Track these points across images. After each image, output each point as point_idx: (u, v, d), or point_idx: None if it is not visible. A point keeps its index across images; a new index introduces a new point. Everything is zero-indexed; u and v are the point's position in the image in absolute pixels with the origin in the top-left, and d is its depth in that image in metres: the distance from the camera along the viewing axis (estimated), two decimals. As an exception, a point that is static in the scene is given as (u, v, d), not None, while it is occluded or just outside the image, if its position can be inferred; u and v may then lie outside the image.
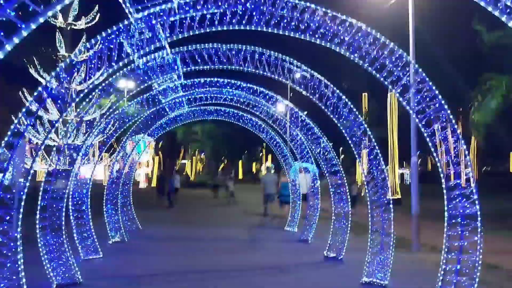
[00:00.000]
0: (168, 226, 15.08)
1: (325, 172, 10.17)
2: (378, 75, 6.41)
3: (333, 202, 10.03)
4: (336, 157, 10.25)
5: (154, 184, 37.31)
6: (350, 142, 8.09)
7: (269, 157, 73.74)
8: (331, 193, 10.01)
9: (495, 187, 36.82)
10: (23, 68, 31.28)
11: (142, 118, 12.56)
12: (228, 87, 9.55)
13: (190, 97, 11.63)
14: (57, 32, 30.03)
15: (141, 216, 16.27)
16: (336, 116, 8.00)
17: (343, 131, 7.89)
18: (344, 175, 10.06)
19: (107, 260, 9.34)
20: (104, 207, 11.53)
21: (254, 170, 68.43)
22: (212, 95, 11.43)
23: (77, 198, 9.30)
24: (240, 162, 68.67)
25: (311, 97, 7.99)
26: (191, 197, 29.12)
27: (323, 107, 7.99)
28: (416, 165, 11.64)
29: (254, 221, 17.00)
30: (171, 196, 22.43)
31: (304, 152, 12.20)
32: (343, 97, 7.97)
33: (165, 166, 51.36)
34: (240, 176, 65.69)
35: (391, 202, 8.04)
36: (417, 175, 11.56)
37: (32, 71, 31.13)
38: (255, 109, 11.87)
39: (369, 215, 7.91)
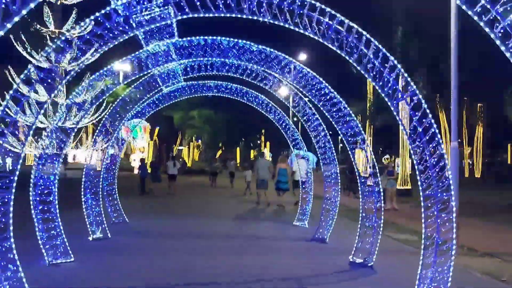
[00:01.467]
0: (160, 218, 13.05)
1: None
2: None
3: (362, 196, 8.02)
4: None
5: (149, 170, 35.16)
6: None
7: (268, 144, 71.89)
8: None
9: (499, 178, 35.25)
10: (9, 46, 28.94)
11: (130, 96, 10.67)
12: (235, 50, 7.42)
13: (186, 64, 9.53)
14: (44, 6, 27.65)
15: (131, 205, 14.36)
16: (380, 83, 5.94)
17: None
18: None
19: (78, 265, 7.30)
20: (82, 197, 9.46)
21: (252, 157, 66.44)
22: (213, 61, 9.34)
23: (43, 186, 7.23)
24: (238, 150, 66.64)
25: (347, 57, 5.90)
26: (188, 184, 27.11)
27: (363, 72, 5.91)
28: (456, 151, 9.61)
29: (258, 213, 15.02)
30: (144, 183, 20.63)
31: (322, 135, 10.11)
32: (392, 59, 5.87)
33: (161, 152, 49.23)
34: (238, 163, 63.56)
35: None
36: (457, 163, 9.56)
37: (20, 48, 28.78)
38: (264, 82, 9.78)
39: (423, 216, 5.89)
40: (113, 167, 11.81)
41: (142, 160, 23.44)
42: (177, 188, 22.27)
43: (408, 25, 23.90)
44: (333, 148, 10.14)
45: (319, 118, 10.03)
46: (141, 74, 8.63)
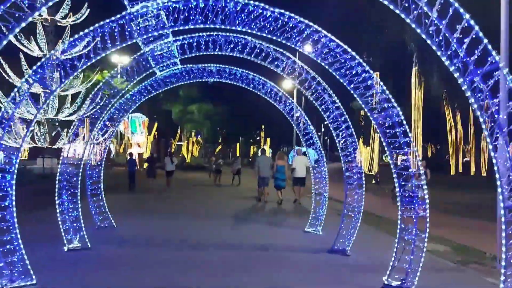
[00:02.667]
0: (153, 221, 11.35)
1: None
2: None
3: (401, 202, 6.34)
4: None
5: (145, 165, 33.52)
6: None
7: (268, 140, 70.06)
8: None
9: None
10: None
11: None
12: (243, 15, 5.70)
13: (183, 41, 7.84)
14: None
15: (122, 205, 12.76)
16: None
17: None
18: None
19: (40, 291, 5.63)
20: (56, 198, 7.76)
21: (252, 153, 64.67)
22: (215, 37, 7.66)
23: (-4, 188, 5.54)
24: (237, 145, 64.87)
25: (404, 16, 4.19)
26: (186, 181, 25.37)
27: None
28: (505, 149, 7.89)
29: (264, 216, 13.35)
30: (131, 178, 19.43)
31: (343, 127, 8.41)
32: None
33: (160, 147, 47.52)
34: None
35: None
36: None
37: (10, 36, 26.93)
38: (276, 63, 8.08)
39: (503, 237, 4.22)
40: (99, 163, 10.10)
41: (130, 154, 22.05)
42: (174, 185, 20.70)
43: None
44: (356, 144, 8.45)
45: (340, 106, 8.34)
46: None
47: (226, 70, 9.91)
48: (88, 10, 27.14)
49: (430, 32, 4.19)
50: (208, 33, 7.73)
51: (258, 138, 75.35)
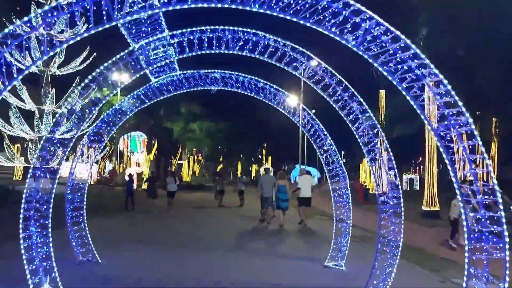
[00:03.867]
0: (146, 253, 9.64)
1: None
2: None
3: (468, 238, 4.70)
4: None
5: (144, 186, 31.83)
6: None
7: (269, 159, 68.50)
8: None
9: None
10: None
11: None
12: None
13: (182, 38, 6.34)
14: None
15: (113, 230, 11.11)
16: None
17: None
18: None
19: None
20: (21, 231, 6.11)
21: (253, 172, 62.89)
22: (220, 35, 6.17)
23: None
24: (239, 164, 63.25)
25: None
26: (186, 202, 23.62)
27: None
28: None
29: (275, 246, 11.64)
30: (128, 199, 18.98)
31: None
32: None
33: (159, 166, 45.88)
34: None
35: None
36: None
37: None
38: (294, 64, 6.56)
39: None
40: (81, 185, 8.48)
41: (130, 176, 21.10)
42: (175, 206, 19.08)
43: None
44: (393, 163, 6.85)
45: (372, 117, 6.79)
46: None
47: (232, 77, 8.40)
48: (86, 25, 25.94)
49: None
50: (212, 27, 6.25)
51: (260, 156, 73.86)
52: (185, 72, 8.28)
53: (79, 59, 26.07)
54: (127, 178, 21.07)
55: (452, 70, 20.61)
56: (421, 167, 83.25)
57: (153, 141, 46.24)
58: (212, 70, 8.31)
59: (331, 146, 8.76)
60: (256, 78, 8.42)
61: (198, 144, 49.82)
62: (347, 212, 8.75)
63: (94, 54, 26.26)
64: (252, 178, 55.55)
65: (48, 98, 25.00)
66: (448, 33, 19.46)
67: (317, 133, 8.83)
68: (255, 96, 8.65)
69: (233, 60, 8.35)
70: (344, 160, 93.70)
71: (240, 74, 8.39)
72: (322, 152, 8.83)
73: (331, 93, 6.80)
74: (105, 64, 6.46)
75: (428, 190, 20.19)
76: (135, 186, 22.12)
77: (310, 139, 8.80)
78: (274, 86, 8.53)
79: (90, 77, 6.73)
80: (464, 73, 20.22)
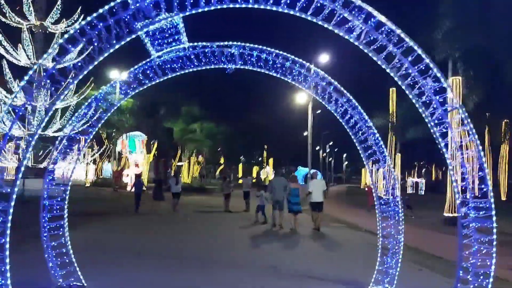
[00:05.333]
0: (145, 272, 7.75)
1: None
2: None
3: None
4: None
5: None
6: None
7: (270, 161, 66.66)
8: None
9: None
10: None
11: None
12: None
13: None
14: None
15: (106, 241, 9.29)
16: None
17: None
18: None
19: None
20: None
21: (254, 174, 60.93)
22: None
23: None
24: (240, 166, 61.34)
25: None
26: (188, 207, 21.62)
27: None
28: None
29: (296, 260, 9.75)
30: (137, 200, 17.89)
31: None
32: None
33: (159, 168, 43.95)
34: (240, 180, 58.36)
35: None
36: None
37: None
38: (348, 25, 4.74)
39: None
40: (62, 187, 6.59)
41: (138, 176, 20.54)
42: (180, 209, 17.30)
43: None
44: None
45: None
46: None
47: (253, 53, 6.58)
48: (82, 15, 24.08)
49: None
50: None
51: (260, 158, 72.08)
52: (195, 45, 6.46)
53: (73, 53, 24.17)
54: (134, 179, 20.55)
55: (477, 64, 18.98)
56: (424, 170, 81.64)
57: (152, 142, 44.34)
58: (229, 42, 6.49)
59: (377, 141, 6.90)
60: (285, 53, 6.60)
61: (198, 146, 47.88)
62: (396, 226, 6.89)
63: (91, 47, 24.33)
64: (253, 181, 53.67)
65: (41, 93, 23.09)
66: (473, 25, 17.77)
67: (358, 125, 6.98)
68: (282, 78, 6.82)
69: (254, 32, 6.61)
70: (346, 163, 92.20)
71: (264, 48, 6.57)
72: (364, 148, 6.99)
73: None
74: (88, 19, 4.64)
75: (451, 195, 18.37)
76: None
77: (350, 132, 6.97)
78: (306, 64, 6.69)
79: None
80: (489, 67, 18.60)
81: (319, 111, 38.04)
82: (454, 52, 17.87)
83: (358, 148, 6.92)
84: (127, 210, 18.58)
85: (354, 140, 6.95)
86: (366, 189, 24.11)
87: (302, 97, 30.05)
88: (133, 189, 18.84)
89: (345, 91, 6.79)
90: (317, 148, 59.96)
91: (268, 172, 57.17)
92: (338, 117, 6.83)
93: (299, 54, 6.71)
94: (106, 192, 28.27)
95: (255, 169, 66.63)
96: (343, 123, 6.85)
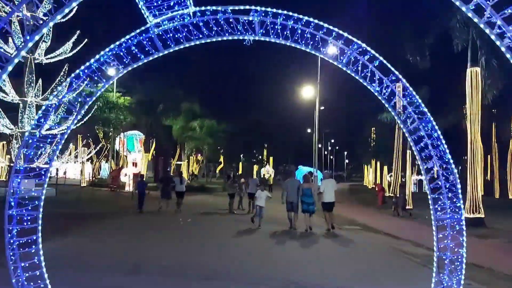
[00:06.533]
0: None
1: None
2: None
3: None
4: None
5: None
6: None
7: (271, 159, 65.17)
8: None
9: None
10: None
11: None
12: None
13: None
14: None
15: (95, 249, 7.88)
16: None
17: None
18: None
19: None
20: None
21: (254, 174, 59.40)
22: None
23: None
24: (240, 164, 59.85)
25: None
26: (189, 207, 20.08)
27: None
28: None
29: (321, 275, 8.31)
30: (141, 200, 17.54)
31: None
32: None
33: (158, 167, 42.52)
34: (242, 179, 56.92)
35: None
36: None
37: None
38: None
39: None
40: (33, 192, 5.13)
41: (141, 175, 20.43)
42: (171, 214, 15.85)
43: None
44: None
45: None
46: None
47: (277, 21, 5.15)
48: (76, 6, 22.51)
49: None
50: None
51: (261, 157, 70.67)
52: (203, 10, 5.03)
53: (68, 44, 22.66)
54: (138, 178, 20.24)
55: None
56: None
57: (151, 141, 42.92)
58: (247, 6, 5.06)
59: (432, 131, 5.46)
60: (318, 22, 5.17)
61: (198, 143, 46.39)
62: (460, 238, 5.45)
63: (86, 40, 22.90)
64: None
65: (32, 88, 21.58)
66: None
67: (407, 110, 5.55)
68: (313, 53, 5.38)
69: None
70: (347, 161, 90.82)
71: (291, 14, 5.13)
72: (415, 141, 5.55)
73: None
74: None
75: (471, 194, 16.98)
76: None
77: (409, 138, 5.53)
78: (344, 34, 5.25)
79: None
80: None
81: (322, 108, 36.70)
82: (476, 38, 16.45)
83: (409, 138, 5.52)
84: (124, 211, 17.21)
85: (404, 130, 5.54)
86: (376, 187, 22.71)
87: (307, 92, 28.64)
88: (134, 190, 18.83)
89: (392, 68, 5.36)
90: (319, 146, 58.66)
91: (268, 171, 55.68)
92: (383, 101, 5.39)
93: (332, 23, 5.32)
94: (102, 193, 26.80)
95: (255, 167, 65.16)
96: (389, 108, 5.42)
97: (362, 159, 60.42)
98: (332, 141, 70.61)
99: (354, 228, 15.06)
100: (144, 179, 20.68)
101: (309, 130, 52.04)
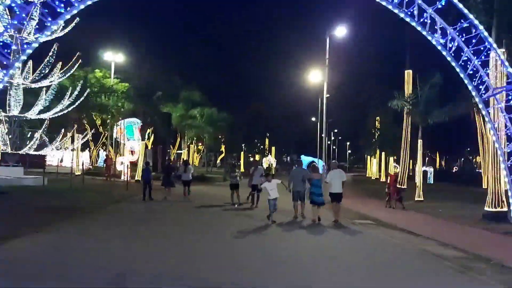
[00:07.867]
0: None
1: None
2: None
3: None
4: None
5: (138, 177, 27.15)
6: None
7: (273, 149, 63.79)
8: None
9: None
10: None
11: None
12: None
13: None
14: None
15: (93, 254, 6.48)
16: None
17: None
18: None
19: None
20: None
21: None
22: None
23: None
24: (242, 154, 58.51)
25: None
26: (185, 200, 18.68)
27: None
28: None
29: (348, 279, 6.89)
30: (146, 188, 17.32)
31: None
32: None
33: (157, 155, 41.09)
34: (242, 169, 55.62)
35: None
36: None
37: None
38: None
39: None
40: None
41: (147, 163, 19.65)
42: (169, 208, 14.47)
43: None
44: None
45: None
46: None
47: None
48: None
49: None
50: None
51: (262, 146, 69.31)
52: None
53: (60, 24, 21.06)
54: (143, 166, 20.09)
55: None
56: (427, 159, 78.72)
57: (149, 129, 41.49)
58: None
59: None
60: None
61: (199, 132, 44.96)
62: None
63: (77, 18, 21.31)
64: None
65: (19, 69, 20.07)
66: None
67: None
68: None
69: None
70: (350, 151, 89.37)
71: None
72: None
73: None
74: None
75: (493, 187, 15.52)
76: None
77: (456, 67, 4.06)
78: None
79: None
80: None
81: (328, 95, 35.13)
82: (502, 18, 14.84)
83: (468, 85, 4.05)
84: (117, 201, 15.91)
85: (465, 80, 4.06)
86: (389, 179, 21.09)
87: (313, 77, 27.11)
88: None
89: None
90: (322, 135, 57.20)
91: (270, 161, 54.28)
92: (449, 58, 3.90)
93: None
94: (95, 182, 25.42)
95: (257, 157, 63.81)
96: (457, 68, 3.93)
97: (365, 150, 58.96)
98: (336, 131, 69.13)
99: (367, 223, 13.68)
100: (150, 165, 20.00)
101: (313, 119, 50.48)
